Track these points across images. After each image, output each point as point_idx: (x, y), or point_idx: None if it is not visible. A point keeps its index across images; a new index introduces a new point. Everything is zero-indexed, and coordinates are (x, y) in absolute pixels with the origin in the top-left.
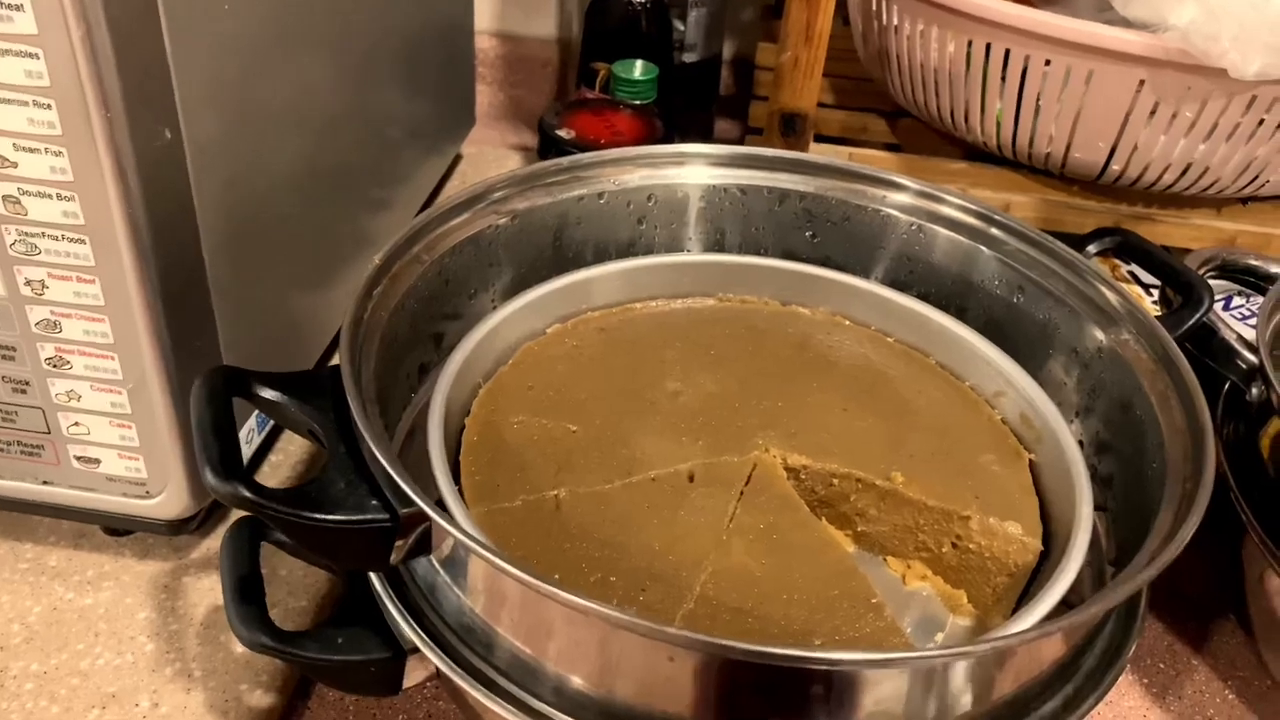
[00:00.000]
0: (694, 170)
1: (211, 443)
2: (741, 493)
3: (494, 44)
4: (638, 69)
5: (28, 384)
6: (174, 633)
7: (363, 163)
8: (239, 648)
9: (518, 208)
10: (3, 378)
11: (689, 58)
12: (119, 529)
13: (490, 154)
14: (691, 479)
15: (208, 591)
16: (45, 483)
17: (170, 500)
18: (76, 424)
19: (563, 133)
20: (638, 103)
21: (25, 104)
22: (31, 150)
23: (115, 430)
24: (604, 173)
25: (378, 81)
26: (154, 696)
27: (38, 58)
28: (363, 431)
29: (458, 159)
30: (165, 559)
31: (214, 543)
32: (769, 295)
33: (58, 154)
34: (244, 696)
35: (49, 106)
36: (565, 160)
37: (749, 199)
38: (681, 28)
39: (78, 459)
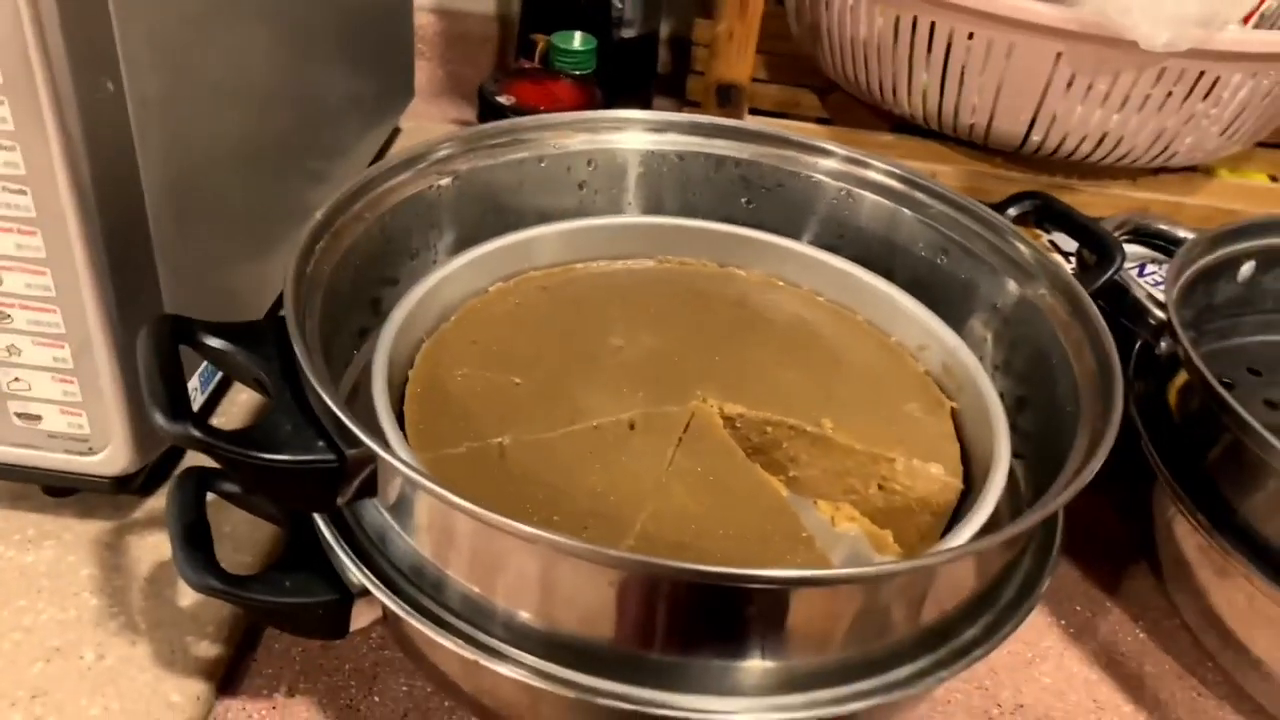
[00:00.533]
0: (633, 136)
1: (160, 386)
2: (680, 440)
3: (432, 20)
4: (576, 40)
5: None
6: (118, 588)
7: (301, 132)
8: (185, 601)
9: (459, 169)
10: None
11: (627, 33)
12: (60, 489)
13: (429, 129)
14: (632, 427)
15: (151, 549)
16: None
17: (113, 457)
18: (17, 379)
19: (503, 99)
20: (577, 73)
21: None
22: None
23: (57, 385)
24: (545, 136)
25: (316, 52)
26: (99, 649)
27: None
28: (308, 373)
29: (396, 132)
30: (107, 518)
31: (156, 502)
32: (706, 257)
33: None
34: (190, 647)
35: None
36: (506, 123)
37: (686, 165)
38: (620, 5)
39: (18, 415)
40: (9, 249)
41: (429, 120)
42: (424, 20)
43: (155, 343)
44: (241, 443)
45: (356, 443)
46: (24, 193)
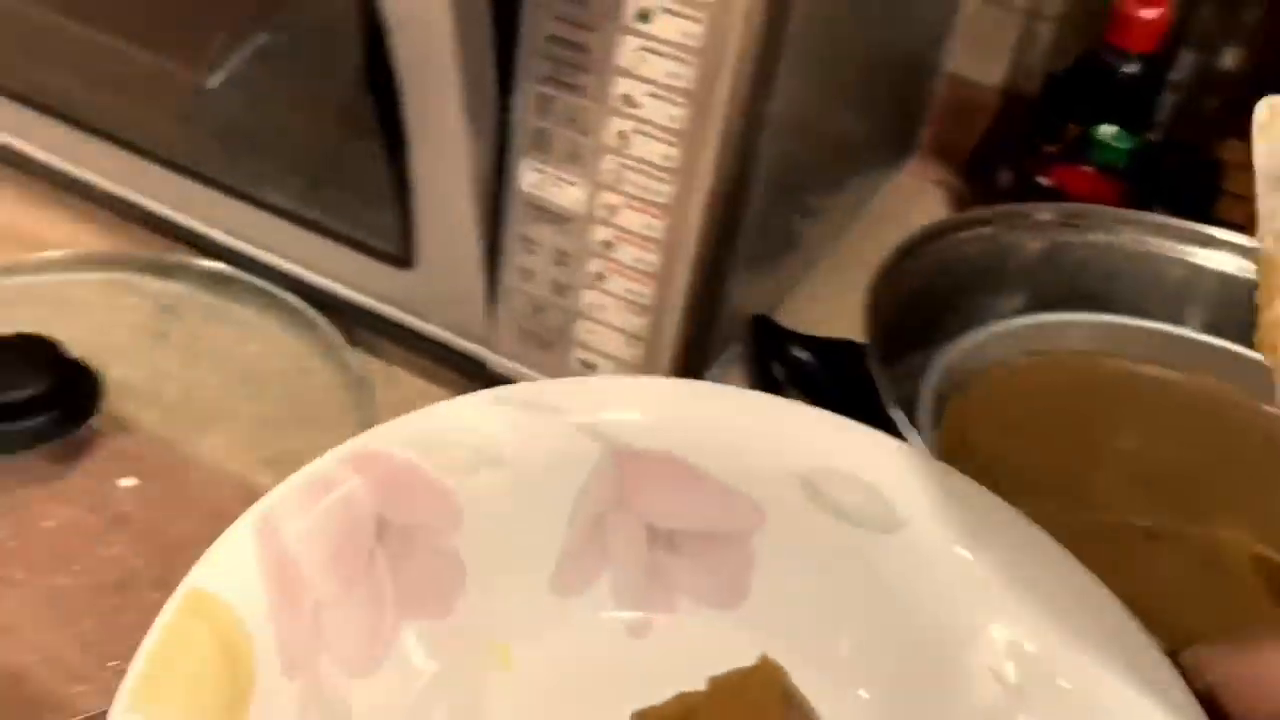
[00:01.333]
0: (1215, 255)
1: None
2: (1200, 566)
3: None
4: (1114, 134)
5: (568, 288)
6: None
7: (816, 167)
8: None
9: (1033, 237)
10: (551, 279)
11: (1151, 137)
12: None
13: (913, 186)
14: (1150, 537)
15: None
16: (546, 374)
17: None
18: (591, 332)
19: (1043, 180)
20: (1112, 168)
21: (671, 58)
22: (658, 97)
23: (626, 347)
24: (1124, 230)
25: (858, 101)
26: None
27: (699, 22)
28: (888, 406)
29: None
30: None
31: None
32: (1236, 384)
33: (679, 104)
34: None
35: (690, 63)
36: (1107, 210)
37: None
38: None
39: (579, 361)
40: (634, 225)
41: (911, 178)
42: None
43: (757, 334)
44: None
45: None
46: (667, 182)
